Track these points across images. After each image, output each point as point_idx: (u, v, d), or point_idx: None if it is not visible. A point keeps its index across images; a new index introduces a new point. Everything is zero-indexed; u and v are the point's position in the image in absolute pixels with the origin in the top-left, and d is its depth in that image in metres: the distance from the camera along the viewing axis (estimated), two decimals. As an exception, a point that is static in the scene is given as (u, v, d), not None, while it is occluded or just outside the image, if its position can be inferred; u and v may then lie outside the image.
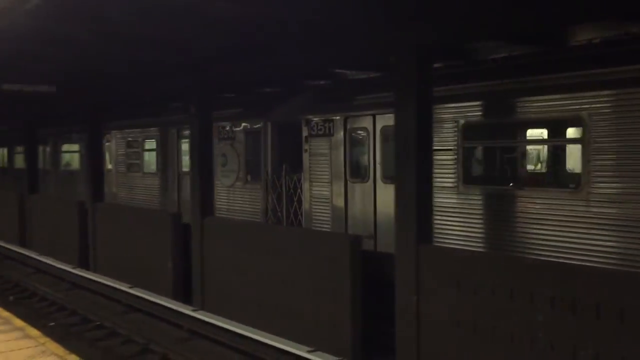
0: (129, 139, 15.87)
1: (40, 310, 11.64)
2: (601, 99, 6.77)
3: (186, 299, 10.77)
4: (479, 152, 8.67)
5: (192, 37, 7.94)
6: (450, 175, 8.21)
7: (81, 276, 13.19)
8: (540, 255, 7.04)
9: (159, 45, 8.35)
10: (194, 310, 9.99)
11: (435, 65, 8.33)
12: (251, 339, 8.59)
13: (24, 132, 18.74)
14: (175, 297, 10.89)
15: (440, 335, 6.68)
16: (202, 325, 9.50)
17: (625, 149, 6.53)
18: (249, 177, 12.07)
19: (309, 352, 7.82)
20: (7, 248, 17.30)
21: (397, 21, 6.70)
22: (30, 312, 11.30)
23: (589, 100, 6.84)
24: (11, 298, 12.48)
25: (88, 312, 11.06)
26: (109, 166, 16.65)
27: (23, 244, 17.37)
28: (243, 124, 12.13)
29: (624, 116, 6.58)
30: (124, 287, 11.69)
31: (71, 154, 19.28)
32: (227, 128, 12.35)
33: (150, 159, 15.25)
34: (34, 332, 6.35)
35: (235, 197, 12.24)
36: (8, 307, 8.45)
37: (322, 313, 8.13)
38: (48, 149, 20.11)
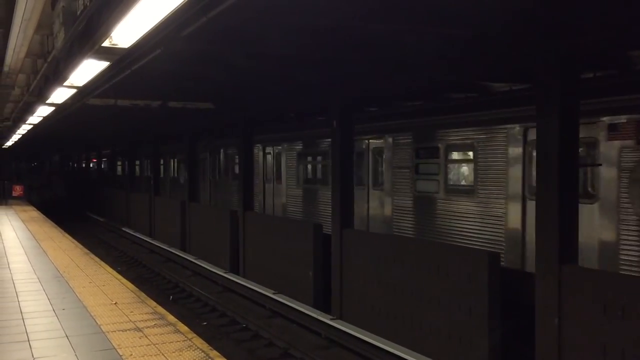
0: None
1: (195, 310, 12.60)
2: None
3: (326, 307, 11.09)
4: None
5: (340, 57, 8.23)
6: None
7: (231, 280, 14.07)
8: None
9: (305, 64, 8.77)
10: (332, 319, 10.25)
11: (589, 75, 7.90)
12: (385, 350, 8.65)
13: (186, 145, 20.35)
14: (316, 305, 11.24)
15: (583, 362, 6.27)
16: (339, 334, 9.74)
17: None
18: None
19: (442, 368, 7.71)
20: (169, 251, 18.94)
21: (537, 31, 6.46)
22: (185, 311, 12.30)
23: None
24: (171, 298, 13.65)
25: (236, 315, 11.78)
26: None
27: (184, 248, 18.79)
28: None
29: None
30: (268, 293, 12.29)
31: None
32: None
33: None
34: (183, 328, 6.91)
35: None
36: (164, 305, 9.23)
37: (458, 329, 7.97)
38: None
